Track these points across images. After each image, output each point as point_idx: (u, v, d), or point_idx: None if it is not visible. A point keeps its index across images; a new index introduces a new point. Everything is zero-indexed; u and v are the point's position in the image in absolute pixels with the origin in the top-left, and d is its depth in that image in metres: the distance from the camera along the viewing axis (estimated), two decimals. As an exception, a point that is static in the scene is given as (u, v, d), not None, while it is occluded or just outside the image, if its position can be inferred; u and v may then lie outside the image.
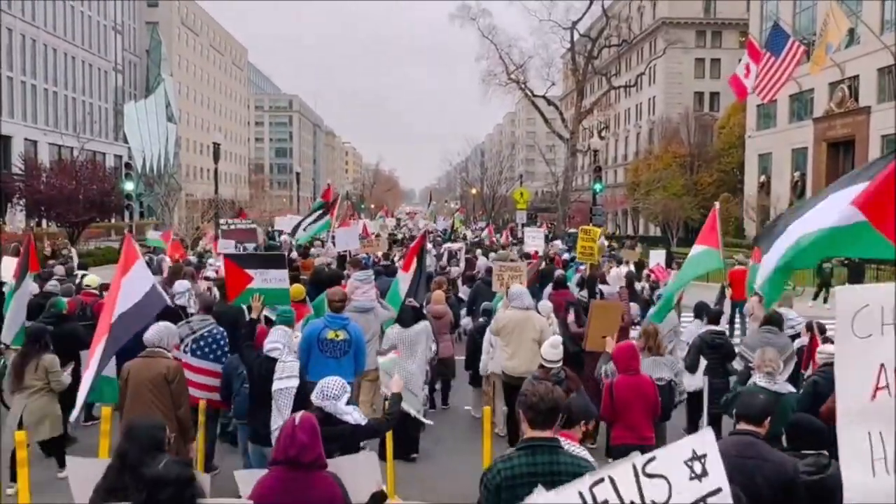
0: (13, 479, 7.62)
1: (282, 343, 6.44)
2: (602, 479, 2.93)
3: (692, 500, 2.93)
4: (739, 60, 28.58)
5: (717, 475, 3.00)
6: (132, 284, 6.68)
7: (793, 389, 6.53)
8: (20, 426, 7.48)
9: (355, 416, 5.18)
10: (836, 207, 4.98)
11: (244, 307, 9.40)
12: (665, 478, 2.96)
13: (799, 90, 41.38)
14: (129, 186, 33.64)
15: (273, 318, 7.48)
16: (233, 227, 23.48)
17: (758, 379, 6.26)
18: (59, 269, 15.29)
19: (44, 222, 35.95)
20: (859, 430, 3.51)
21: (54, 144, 56.22)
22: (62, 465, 8.00)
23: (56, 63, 60.18)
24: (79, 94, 63.87)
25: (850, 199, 4.80)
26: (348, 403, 5.22)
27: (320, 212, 22.62)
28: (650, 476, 2.96)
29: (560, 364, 6.99)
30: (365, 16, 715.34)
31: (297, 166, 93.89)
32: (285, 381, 6.13)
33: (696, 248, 8.45)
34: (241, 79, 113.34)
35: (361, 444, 5.66)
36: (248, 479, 4.31)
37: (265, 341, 6.55)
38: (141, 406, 6.33)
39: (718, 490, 2.99)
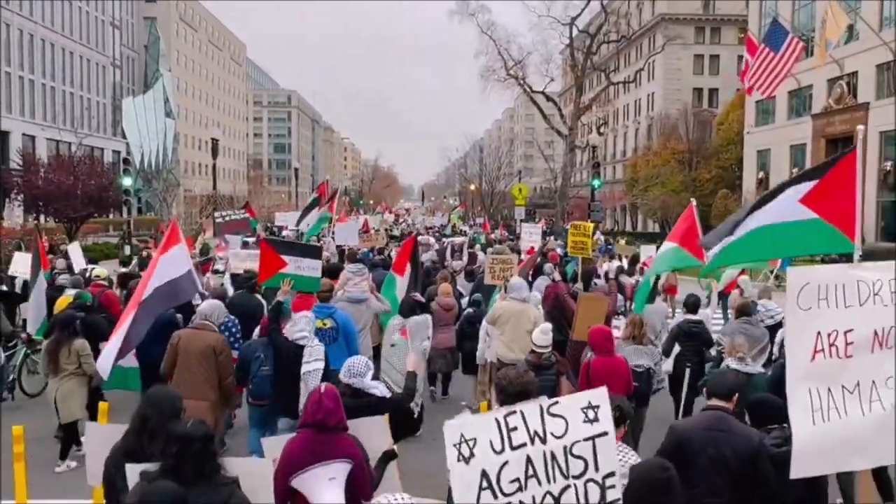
0: (62, 457, 8.23)
1: (308, 330, 7.03)
2: (515, 412, 3.67)
3: (583, 437, 3.66)
4: (740, 57, 28.61)
5: (606, 423, 3.70)
6: (169, 263, 7.06)
7: (762, 370, 7.07)
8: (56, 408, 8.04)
9: (381, 389, 5.76)
10: (783, 205, 5.37)
11: (262, 302, 10.03)
12: (564, 418, 3.68)
13: (798, 87, 41.35)
14: (127, 182, 33.54)
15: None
16: (227, 218, 23.52)
17: (730, 362, 6.87)
18: (60, 263, 15.53)
19: (41, 217, 35.86)
20: (802, 387, 4.17)
21: (52, 140, 56.15)
22: (64, 456, 8.24)
23: (54, 58, 60.04)
24: (77, 89, 63.75)
25: (797, 197, 5.23)
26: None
27: (316, 208, 22.75)
28: (552, 415, 3.69)
29: (550, 349, 7.23)
30: (367, 16, 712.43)
31: (295, 162, 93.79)
32: (314, 364, 6.70)
33: (667, 245, 8.50)
34: (239, 74, 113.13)
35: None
36: (274, 444, 4.75)
37: (293, 329, 7.10)
38: (189, 375, 6.83)
39: (605, 433, 3.68)
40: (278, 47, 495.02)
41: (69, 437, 8.35)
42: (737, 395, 5.00)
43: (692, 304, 9.67)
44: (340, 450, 4.40)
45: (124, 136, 66.46)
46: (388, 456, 4.91)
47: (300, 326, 7.05)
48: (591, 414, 3.69)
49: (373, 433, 4.89)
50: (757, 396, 5.40)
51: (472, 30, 51.37)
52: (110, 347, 6.67)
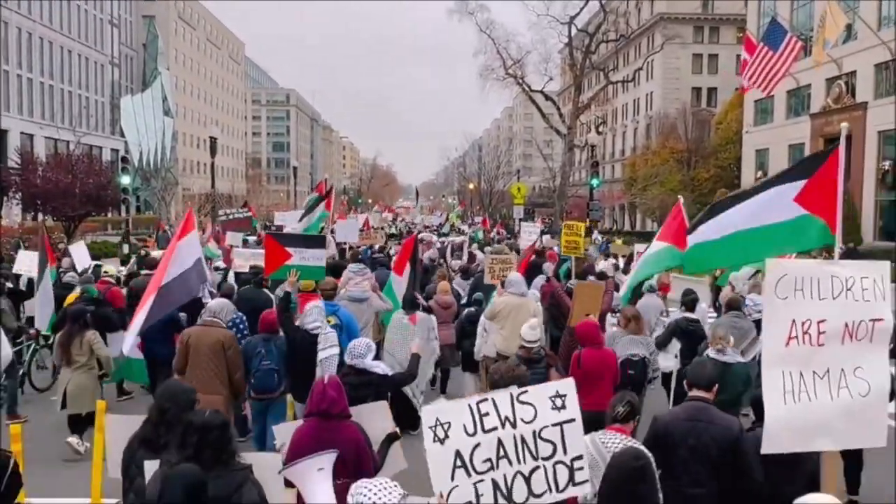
0: (74, 432, 8.59)
1: (320, 319, 7.46)
2: (486, 399, 4.01)
3: (551, 423, 3.99)
4: (738, 57, 28.60)
5: (573, 410, 4.06)
6: (185, 251, 7.29)
7: (742, 360, 7.19)
8: (64, 397, 8.43)
9: (382, 367, 6.17)
10: (776, 204, 5.58)
11: (271, 296, 10.35)
12: (533, 405, 4.00)
13: (796, 86, 41.34)
14: (125, 180, 33.55)
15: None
16: (230, 216, 23.65)
17: (709, 352, 7.05)
18: (67, 261, 15.75)
19: (39, 216, 35.78)
20: (776, 370, 4.44)
21: (50, 138, 56.08)
22: (75, 432, 8.62)
23: (52, 57, 59.98)
24: (75, 87, 63.69)
25: (792, 195, 5.47)
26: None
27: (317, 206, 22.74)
28: (522, 402, 4.00)
29: (539, 343, 7.39)
30: (367, 16, 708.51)
31: (294, 161, 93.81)
32: (329, 350, 7.14)
33: (657, 245, 8.46)
34: (238, 73, 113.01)
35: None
36: (284, 431, 5.09)
37: (307, 320, 7.49)
38: (200, 371, 7.04)
39: (573, 420, 4.05)
40: (278, 47, 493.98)
41: (83, 423, 8.65)
42: (717, 385, 5.14)
43: (690, 303, 9.79)
44: (344, 436, 4.65)
45: (123, 135, 66.38)
46: (391, 438, 5.18)
47: (313, 317, 7.43)
48: (558, 402, 4.05)
49: (375, 417, 5.17)
50: (758, 393, 5.43)
51: (472, 29, 51.31)
52: (130, 332, 6.95)
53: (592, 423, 5.46)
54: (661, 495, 4.26)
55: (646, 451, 4.35)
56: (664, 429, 4.85)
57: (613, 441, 4.52)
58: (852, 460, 7.02)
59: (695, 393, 5.03)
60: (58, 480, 7.69)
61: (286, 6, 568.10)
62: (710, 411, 4.87)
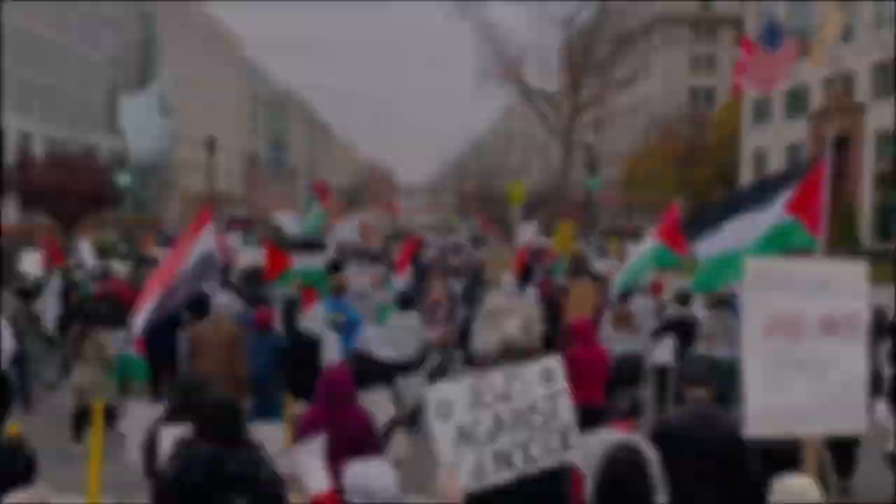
0: (79, 439, 8.69)
1: (323, 323, 7.83)
2: (483, 378, 4.40)
3: (542, 395, 4.41)
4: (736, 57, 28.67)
5: (560, 383, 4.47)
6: (196, 247, 7.38)
7: (728, 354, 7.34)
8: (75, 391, 8.64)
9: (386, 353, 6.70)
10: (772, 215, 5.85)
11: (272, 295, 10.46)
12: (524, 381, 4.40)
13: (794, 86, 41.41)
14: (122, 180, 33.53)
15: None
16: (233, 215, 23.87)
17: (698, 348, 7.31)
18: (74, 259, 15.89)
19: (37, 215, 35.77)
20: (755, 360, 4.64)
21: (48, 137, 55.99)
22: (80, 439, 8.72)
23: (51, 56, 59.85)
24: (73, 86, 63.55)
25: (785, 203, 5.73)
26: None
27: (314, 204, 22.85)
28: (514, 379, 4.39)
29: (520, 344, 7.43)
30: (367, 16, 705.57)
31: (292, 160, 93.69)
32: (334, 351, 7.49)
33: (651, 242, 8.51)
34: (237, 73, 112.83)
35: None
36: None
37: (310, 323, 7.83)
38: (207, 363, 7.17)
39: (560, 391, 4.46)
40: (277, 47, 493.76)
41: (80, 422, 8.72)
42: (714, 381, 5.20)
43: (684, 299, 10.01)
44: (352, 418, 4.98)
45: (121, 134, 66.25)
46: (394, 422, 5.53)
47: (317, 320, 7.82)
48: (546, 376, 4.45)
49: (379, 405, 5.53)
50: None
51: (470, 28, 51.35)
52: (139, 319, 7.02)
53: (586, 418, 5.49)
54: (659, 490, 4.28)
55: (644, 447, 4.36)
56: (667, 430, 4.88)
57: (617, 438, 4.54)
58: (840, 448, 7.03)
59: (695, 393, 5.05)
60: (55, 478, 7.66)
61: (285, 5, 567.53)
62: (713, 409, 4.92)
